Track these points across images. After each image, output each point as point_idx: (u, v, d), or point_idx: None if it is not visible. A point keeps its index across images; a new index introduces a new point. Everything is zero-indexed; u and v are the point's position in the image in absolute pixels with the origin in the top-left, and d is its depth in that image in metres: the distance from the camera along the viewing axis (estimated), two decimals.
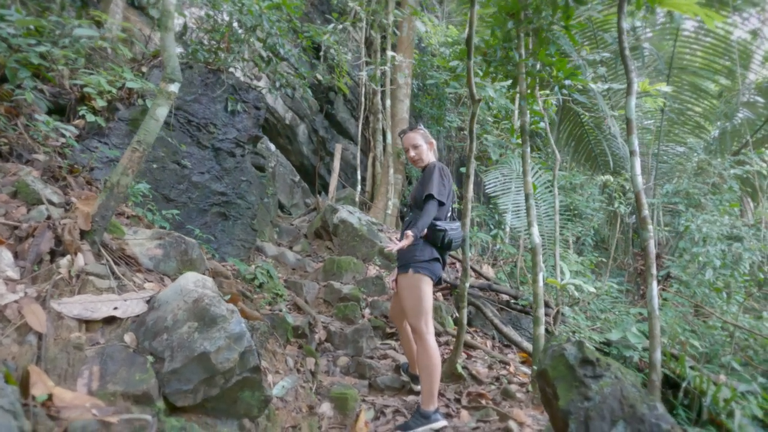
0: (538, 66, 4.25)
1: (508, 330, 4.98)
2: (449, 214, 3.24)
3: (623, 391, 2.15)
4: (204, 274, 2.76)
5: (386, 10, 10.05)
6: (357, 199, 8.84)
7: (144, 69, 4.80)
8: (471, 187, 3.97)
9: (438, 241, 3.04)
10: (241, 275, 4.21)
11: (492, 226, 9.35)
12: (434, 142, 3.37)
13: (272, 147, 10.25)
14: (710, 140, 10.17)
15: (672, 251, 10.27)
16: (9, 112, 3.53)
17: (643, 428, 2.01)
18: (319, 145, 11.22)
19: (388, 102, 9.84)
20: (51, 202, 2.25)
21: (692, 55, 10.36)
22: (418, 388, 3.56)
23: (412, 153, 3.26)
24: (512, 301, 5.33)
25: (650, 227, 3.93)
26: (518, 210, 8.02)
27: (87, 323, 1.84)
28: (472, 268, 6.15)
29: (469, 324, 5.14)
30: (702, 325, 7.43)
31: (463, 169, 7.63)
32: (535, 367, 3.71)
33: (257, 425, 2.17)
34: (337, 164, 8.53)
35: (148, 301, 2.00)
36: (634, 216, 11.68)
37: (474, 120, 3.71)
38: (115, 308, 1.90)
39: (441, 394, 3.61)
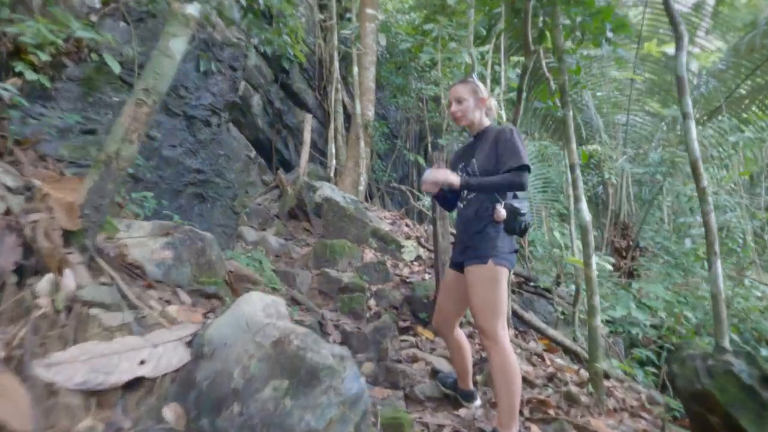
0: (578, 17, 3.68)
1: (530, 316, 4.50)
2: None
3: None
4: (225, 279, 2.00)
5: None
6: (332, 175, 8.06)
7: (93, 18, 3.80)
8: None
9: (517, 229, 2.43)
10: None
11: None
12: (488, 98, 2.75)
13: None
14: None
15: (641, 222, 10.24)
16: None
17: None
18: (275, 117, 10.25)
19: (355, 69, 9.04)
20: (7, 188, 1.43)
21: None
22: (472, 405, 2.96)
23: (454, 107, 2.72)
24: (530, 283, 4.85)
25: (710, 199, 3.49)
26: None
27: (98, 395, 1.08)
28: None
29: None
30: (690, 295, 7.35)
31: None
32: (597, 365, 3.22)
33: None
34: (307, 137, 7.70)
35: (189, 343, 1.25)
36: (600, 187, 11.59)
37: (525, 76, 3.08)
38: (142, 362, 1.14)
39: (494, 404, 3.03)
